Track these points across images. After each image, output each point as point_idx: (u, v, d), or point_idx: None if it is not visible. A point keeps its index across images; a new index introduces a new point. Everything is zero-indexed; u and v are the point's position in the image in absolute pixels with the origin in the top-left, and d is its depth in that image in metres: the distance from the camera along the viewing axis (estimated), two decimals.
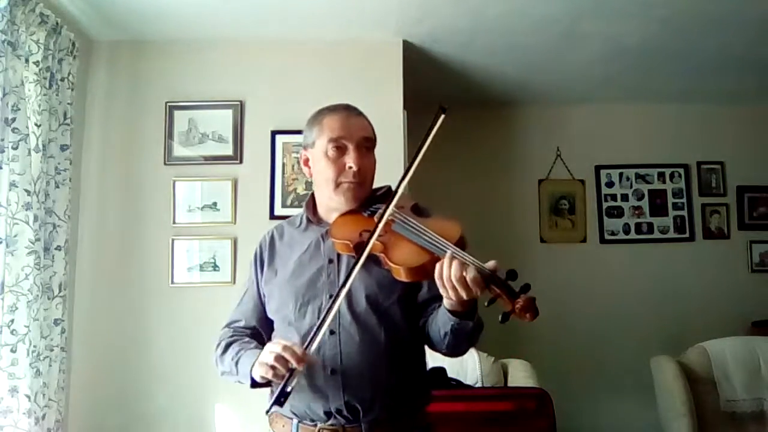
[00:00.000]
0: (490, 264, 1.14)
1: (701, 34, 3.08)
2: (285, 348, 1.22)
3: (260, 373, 1.26)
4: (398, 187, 1.32)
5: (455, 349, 1.35)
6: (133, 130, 3.04)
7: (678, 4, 2.77)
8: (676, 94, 4.04)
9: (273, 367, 1.22)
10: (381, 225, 1.27)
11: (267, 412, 1.23)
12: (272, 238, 1.52)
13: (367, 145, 1.41)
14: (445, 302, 1.21)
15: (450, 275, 1.14)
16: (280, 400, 1.21)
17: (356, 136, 1.39)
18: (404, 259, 1.22)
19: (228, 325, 1.54)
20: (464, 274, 1.12)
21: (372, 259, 1.29)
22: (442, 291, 1.17)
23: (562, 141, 4.23)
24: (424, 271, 1.20)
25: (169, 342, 2.90)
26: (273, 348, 1.24)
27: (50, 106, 2.51)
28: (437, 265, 1.16)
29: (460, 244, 1.21)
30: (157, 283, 2.94)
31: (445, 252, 1.17)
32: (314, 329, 1.25)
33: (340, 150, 1.38)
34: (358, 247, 1.27)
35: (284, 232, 1.52)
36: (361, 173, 1.38)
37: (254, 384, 1.32)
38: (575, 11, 2.84)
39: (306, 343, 1.24)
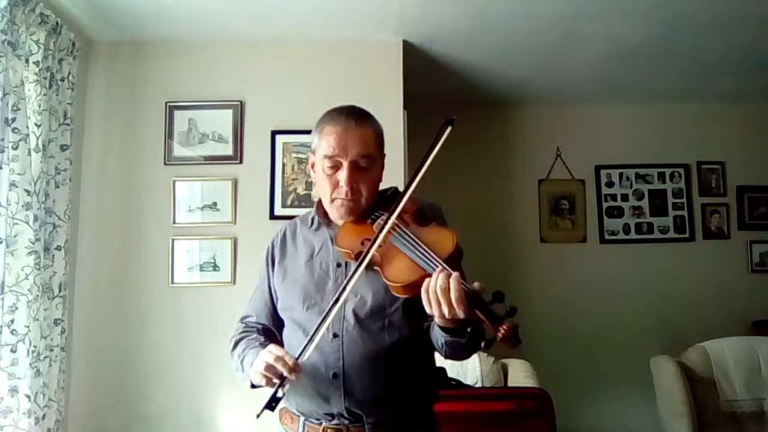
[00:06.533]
0: (476, 285, 1.13)
1: (701, 34, 3.08)
2: (277, 359, 1.24)
3: (254, 380, 1.31)
4: (397, 202, 1.30)
5: (455, 357, 1.36)
6: (133, 130, 3.04)
7: (678, 4, 2.77)
8: (677, 94, 4.05)
9: (265, 376, 1.25)
10: (380, 238, 1.28)
11: (257, 416, 1.25)
12: (284, 236, 1.52)
13: (363, 162, 1.36)
14: (436, 318, 1.19)
15: (435, 289, 1.13)
16: (272, 405, 1.25)
17: (352, 153, 1.34)
18: (396, 275, 1.24)
19: (241, 320, 1.56)
20: (449, 291, 1.11)
21: (373, 268, 1.30)
22: (426, 306, 1.16)
23: (562, 141, 4.23)
24: (416, 288, 1.19)
25: (169, 342, 2.90)
26: (266, 357, 1.26)
27: (50, 106, 2.51)
28: (424, 281, 1.16)
29: (454, 256, 1.21)
30: (157, 283, 2.94)
31: (435, 269, 1.17)
32: (310, 336, 1.27)
33: (335, 167, 1.36)
34: (359, 256, 1.29)
35: (297, 231, 1.52)
36: (354, 192, 1.36)
37: (254, 385, 1.35)
38: (576, 12, 2.84)
39: (299, 352, 1.26)
